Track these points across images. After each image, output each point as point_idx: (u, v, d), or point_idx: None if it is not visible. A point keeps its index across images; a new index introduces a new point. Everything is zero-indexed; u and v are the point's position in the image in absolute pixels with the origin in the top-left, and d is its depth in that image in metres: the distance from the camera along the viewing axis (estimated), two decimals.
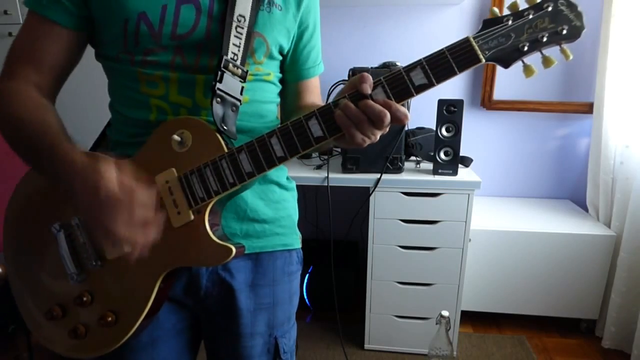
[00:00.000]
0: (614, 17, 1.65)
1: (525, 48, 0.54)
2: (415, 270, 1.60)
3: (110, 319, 0.62)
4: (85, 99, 1.64)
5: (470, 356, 1.70)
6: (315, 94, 0.82)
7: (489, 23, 0.55)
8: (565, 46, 0.55)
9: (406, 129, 1.54)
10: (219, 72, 0.62)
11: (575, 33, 0.53)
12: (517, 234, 1.72)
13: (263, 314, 0.75)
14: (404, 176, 1.53)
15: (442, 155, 1.52)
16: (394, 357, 1.69)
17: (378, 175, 1.51)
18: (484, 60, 0.54)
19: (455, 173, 1.52)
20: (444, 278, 1.59)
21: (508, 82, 1.95)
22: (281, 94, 0.80)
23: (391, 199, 1.53)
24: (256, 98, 0.71)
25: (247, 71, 0.66)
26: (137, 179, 0.56)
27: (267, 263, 0.75)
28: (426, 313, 1.64)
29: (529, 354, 1.70)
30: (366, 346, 1.72)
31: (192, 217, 0.60)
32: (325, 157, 1.68)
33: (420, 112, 1.97)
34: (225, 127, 0.63)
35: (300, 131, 0.58)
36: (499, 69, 2.17)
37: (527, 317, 1.87)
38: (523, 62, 0.55)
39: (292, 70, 0.78)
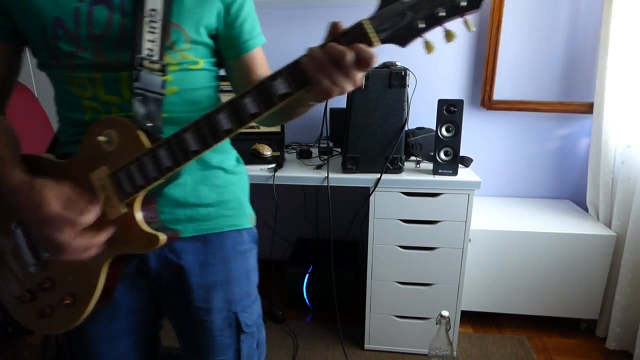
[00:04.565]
0: (614, 17, 1.65)
1: (422, 25, 0.51)
2: (415, 270, 1.60)
3: (68, 301, 0.70)
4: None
5: (470, 356, 1.70)
6: (264, 67, 0.80)
7: (387, 1, 0.52)
8: (468, 17, 0.51)
9: (406, 129, 1.54)
10: (134, 72, 0.65)
11: (475, 3, 0.50)
12: (517, 234, 1.72)
13: (218, 290, 0.79)
14: (404, 176, 1.53)
15: (442, 155, 1.52)
16: (394, 357, 1.69)
17: (378, 175, 1.51)
18: (378, 44, 0.53)
19: (455, 173, 1.52)
20: (444, 278, 1.59)
21: (508, 82, 1.96)
22: (228, 75, 0.81)
23: (391, 199, 1.53)
24: (186, 87, 0.72)
25: (166, 65, 0.67)
26: (78, 193, 0.63)
27: (216, 243, 0.79)
28: (426, 313, 1.64)
29: (529, 354, 1.70)
30: (366, 346, 1.72)
31: (124, 209, 0.65)
32: (326, 157, 1.68)
33: (420, 112, 1.97)
34: (150, 123, 0.66)
35: (209, 121, 0.60)
36: (499, 68, 2.15)
37: (527, 317, 1.87)
38: (423, 37, 0.53)
39: (229, 47, 0.77)
